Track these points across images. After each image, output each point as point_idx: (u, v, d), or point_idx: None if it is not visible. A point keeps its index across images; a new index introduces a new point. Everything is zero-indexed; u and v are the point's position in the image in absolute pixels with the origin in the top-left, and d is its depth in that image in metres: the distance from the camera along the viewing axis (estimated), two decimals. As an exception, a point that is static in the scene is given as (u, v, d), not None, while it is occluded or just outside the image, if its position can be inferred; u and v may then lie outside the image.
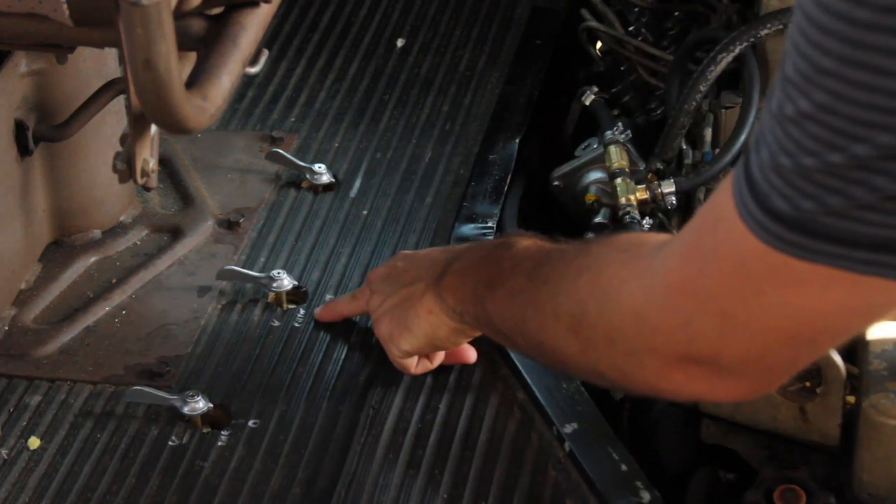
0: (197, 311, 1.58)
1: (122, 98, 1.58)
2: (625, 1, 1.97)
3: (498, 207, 1.70)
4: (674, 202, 1.67)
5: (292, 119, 1.88)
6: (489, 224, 1.68)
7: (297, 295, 1.59)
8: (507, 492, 1.37)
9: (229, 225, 1.69)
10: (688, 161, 1.72)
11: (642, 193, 1.66)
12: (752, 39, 1.65)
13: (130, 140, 1.39)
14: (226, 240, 1.68)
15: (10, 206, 1.55)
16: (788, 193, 0.92)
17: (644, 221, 1.66)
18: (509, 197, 1.74)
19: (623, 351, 1.12)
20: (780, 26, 1.63)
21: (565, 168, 1.77)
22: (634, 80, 1.92)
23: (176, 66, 1.15)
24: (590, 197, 1.74)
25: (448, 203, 1.73)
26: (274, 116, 1.89)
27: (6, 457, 1.42)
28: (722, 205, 0.98)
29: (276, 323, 1.57)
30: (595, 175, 1.75)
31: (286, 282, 1.59)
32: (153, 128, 1.40)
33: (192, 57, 1.30)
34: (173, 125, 1.21)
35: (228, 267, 1.62)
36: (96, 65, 1.59)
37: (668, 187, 1.66)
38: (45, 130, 1.56)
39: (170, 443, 1.43)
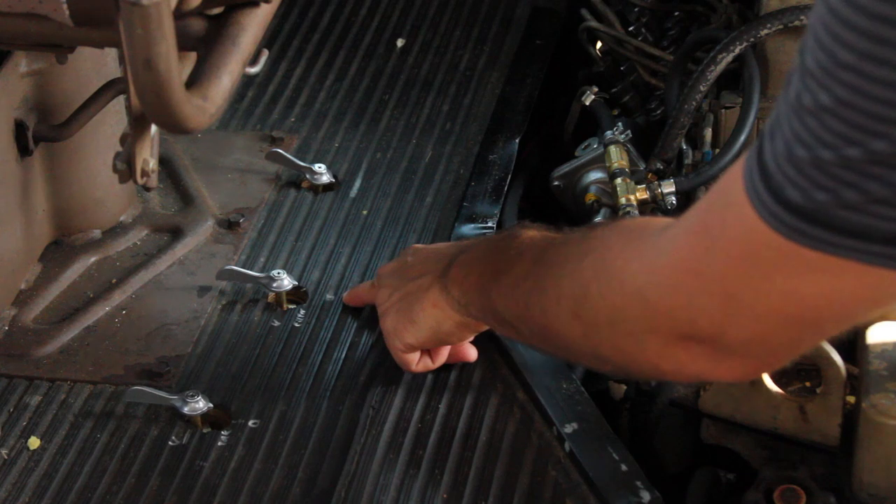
0: (197, 311, 1.58)
1: (122, 98, 1.58)
2: (625, 1, 1.97)
3: (498, 207, 1.70)
4: (674, 202, 1.67)
5: (292, 119, 1.88)
6: (489, 224, 1.68)
7: (297, 295, 1.59)
8: (507, 492, 1.37)
9: (229, 225, 1.69)
10: (688, 161, 1.72)
11: (642, 193, 1.66)
12: (752, 39, 1.65)
13: (130, 140, 1.39)
14: (226, 240, 1.68)
15: (10, 206, 1.55)
16: (803, 184, 0.92)
17: (644, 221, 1.66)
18: (509, 197, 1.74)
19: (624, 332, 1.12)
20: (780, 26, 1.63)
21: (565, 168, 1.78)
22: (634, 80, 1.92)
23: (176, 66, 1.15)
24: (590, 197, 1.74)
25: (448, 203, 1.73)
26: (274, 116, 1.88)
27: (6, 457, 1.42)
28: (731, 190, 0.98)
29: (276, 323, 1.57)
30: (595, 175, 1.75)
31: (286, 282, 1.59)
32: (153, 128, 1.40)
33: (192, 57, 1.30)
34: (173, 125, 1.21)
35: (228, 267, 1.62)
36: (96, 65, 1.59)
37: (668, 187, 1.66)
38: (45, 130, 1.56)
39: (170, 443, 1.43)
